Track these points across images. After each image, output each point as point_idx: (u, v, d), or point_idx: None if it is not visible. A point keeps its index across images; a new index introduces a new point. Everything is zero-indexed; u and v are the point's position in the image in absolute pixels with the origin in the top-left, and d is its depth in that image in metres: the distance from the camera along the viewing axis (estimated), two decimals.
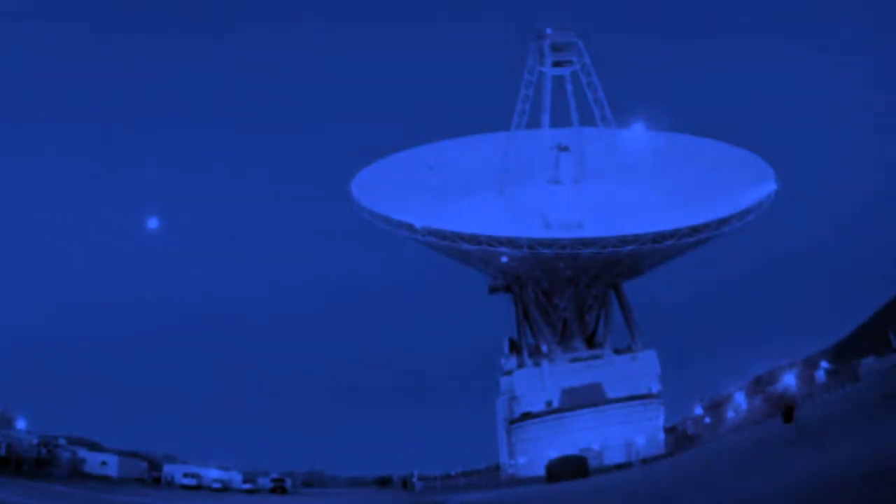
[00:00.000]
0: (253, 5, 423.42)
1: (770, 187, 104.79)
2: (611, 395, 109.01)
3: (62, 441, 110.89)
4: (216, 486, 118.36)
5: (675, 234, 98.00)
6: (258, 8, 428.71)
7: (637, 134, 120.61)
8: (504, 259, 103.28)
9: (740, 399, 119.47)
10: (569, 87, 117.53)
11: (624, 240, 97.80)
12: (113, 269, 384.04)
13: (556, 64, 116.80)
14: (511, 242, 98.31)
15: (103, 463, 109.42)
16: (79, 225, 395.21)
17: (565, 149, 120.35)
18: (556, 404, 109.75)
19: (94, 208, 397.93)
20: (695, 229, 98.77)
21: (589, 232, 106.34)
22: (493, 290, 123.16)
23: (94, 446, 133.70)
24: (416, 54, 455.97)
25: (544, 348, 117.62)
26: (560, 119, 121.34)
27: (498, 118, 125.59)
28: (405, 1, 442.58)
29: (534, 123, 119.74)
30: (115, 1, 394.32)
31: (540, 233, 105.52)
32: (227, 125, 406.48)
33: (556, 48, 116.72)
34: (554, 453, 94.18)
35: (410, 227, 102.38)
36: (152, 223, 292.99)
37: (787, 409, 61.09)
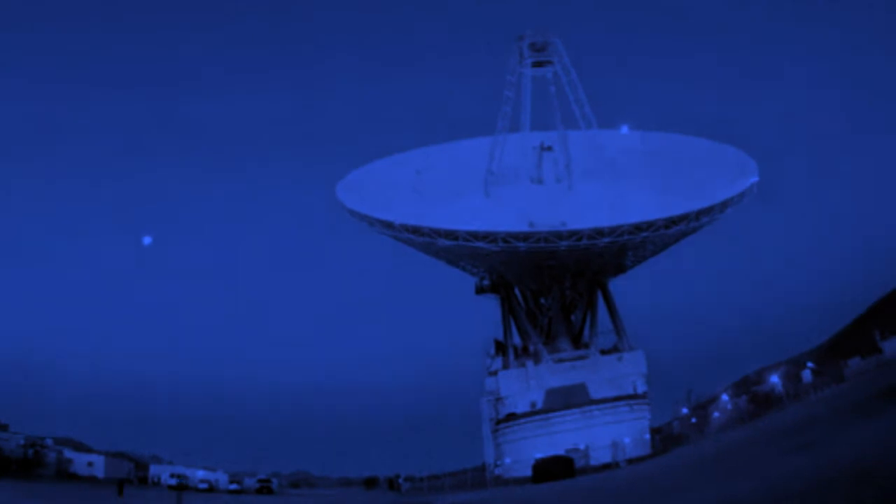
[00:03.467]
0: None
1: (751, 179, 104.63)
2: (597, 395, 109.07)
3: (49, 441, 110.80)
4: (202, 486, 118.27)
5: (651, 225, 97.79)
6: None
7: (621, 133, 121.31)
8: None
9: (726, 399, 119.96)
10: (551, 88, 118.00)
11: (599, 231, 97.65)
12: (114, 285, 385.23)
13: (536, 64, 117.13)
14: (487, 237, 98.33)
15: (90, 464, 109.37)
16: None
17: (548, 149, 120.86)
18: (539, 405, 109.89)
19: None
20: (672, 220, 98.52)
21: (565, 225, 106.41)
22: (479, 290, 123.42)
23: (80, 447, 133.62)
24: (404, 60, 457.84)
25: (531, 349, 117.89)
26: (544, 120, 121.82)
27: (486, 121, 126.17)
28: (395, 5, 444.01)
29: (517, 125, 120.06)
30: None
31: (517, 226, 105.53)
32: None
33: (535, 48, 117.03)
34: (540, 454, 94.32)
35: (390, 225, 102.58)
36: (146, 240, 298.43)
37: None
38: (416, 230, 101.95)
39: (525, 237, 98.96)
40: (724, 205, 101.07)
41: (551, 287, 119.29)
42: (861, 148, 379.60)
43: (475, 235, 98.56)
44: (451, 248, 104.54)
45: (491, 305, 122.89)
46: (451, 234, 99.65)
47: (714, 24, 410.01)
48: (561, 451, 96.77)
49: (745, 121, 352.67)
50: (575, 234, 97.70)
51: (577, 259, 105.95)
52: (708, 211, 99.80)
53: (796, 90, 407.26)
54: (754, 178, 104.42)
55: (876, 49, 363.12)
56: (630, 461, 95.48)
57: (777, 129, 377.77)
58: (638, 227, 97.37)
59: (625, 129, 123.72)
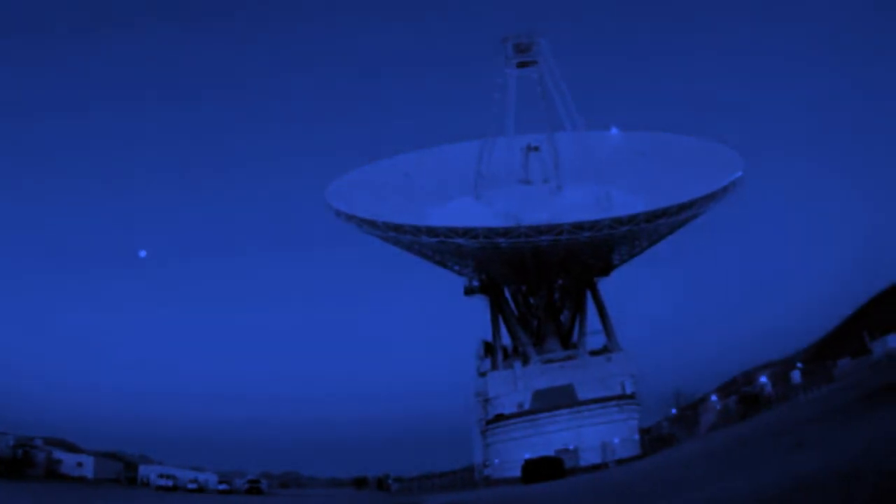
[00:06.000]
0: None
1: (735, 174, 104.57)
2: (586, 395, 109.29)
3: (38, 442, 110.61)
4: (192, 486, 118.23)
5: (632, 219, 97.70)
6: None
7: (611, 134, 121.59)
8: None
9: (715, 400, 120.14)
10: (537, 88, 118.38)
11: (579, 226, 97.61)
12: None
13: (521, 65, 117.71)
14: (468, 233, 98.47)
15: (79, 464, 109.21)
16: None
17: (535, 149, 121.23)
18: (527, 406, 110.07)
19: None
20: (654, 214, 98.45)
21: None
22: (469, 291, 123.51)
23: (70, 447, 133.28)
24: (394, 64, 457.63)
25: (520, 349, 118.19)
26: (532, 120, 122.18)
27: (476, 124, 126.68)
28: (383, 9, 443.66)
29: (505, 127, 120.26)
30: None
31: (497, 222, 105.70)
32: None
33: (519, 49, 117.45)
34: (529, 454, 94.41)
35: (374, 224, 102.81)
36: (141, 253, 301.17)
37: None
38: (398, 228, 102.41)
39: (505, 232, 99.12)
40: (706, 199, 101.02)
41: (540, 287, 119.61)
42: (852, 149, 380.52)
43: (455, 231, 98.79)
44: (434, 246, 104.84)
45: (484, 307, 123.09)
46: (433, 231, 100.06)
47: (707, 23, 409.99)
48: (550, 452, 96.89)
49: (736, 120, 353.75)
50: (555, 229, 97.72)
51: (562, 255, 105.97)
52: (689, 205, 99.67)
53: (789, 89, 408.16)
54: (738, 174, 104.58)
55: (870, 48, 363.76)
56: (619, 462, 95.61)
57: (769, 129, 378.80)
58: (618, 221, 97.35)
59: (614, 131, 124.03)
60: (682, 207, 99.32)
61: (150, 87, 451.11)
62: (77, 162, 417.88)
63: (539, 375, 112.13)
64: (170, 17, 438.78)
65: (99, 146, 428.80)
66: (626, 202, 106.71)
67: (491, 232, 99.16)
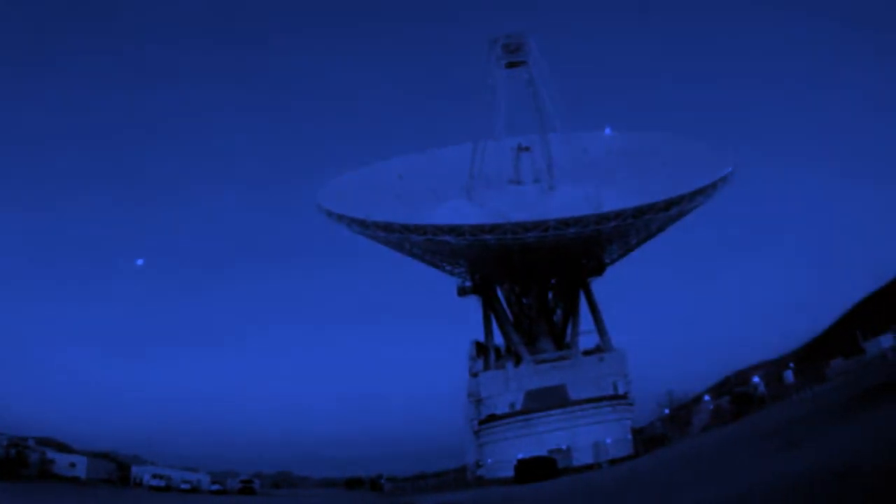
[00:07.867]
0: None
1: (724, 170, 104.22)
2: (578, 395, 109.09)
3: (31, 442, 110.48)
4: (184, 486, 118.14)
5: (618, 215, 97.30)
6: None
7: (605, 134, 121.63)
8: None
9: (708, 400, 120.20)
10: (528, 88, 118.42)
11: (565, 222, 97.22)
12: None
13: (510, 65, 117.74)
14: (454, 230, 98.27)
15: (72, 464, 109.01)
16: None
17: (526, 149, 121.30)
18: (518, 406, 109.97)
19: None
20: (641, 210, 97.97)
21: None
22: (462, 291, 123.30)
23: (63, 447, 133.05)
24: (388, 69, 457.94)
25: (512, 349, 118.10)
26: (524, 120, 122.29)
27: (468, 126, 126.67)
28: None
29: (497, 128, 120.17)
30: None
31: (483, 219, 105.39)
32: None
33: (509, 49, 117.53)
34: (522, 454, 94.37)
35: (363, 223, 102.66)
36: (139, 262, 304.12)
37: None
38: (387, 227, 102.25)
39: (491, 229, 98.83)
40: (694, 194, 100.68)
41: (532, 287, 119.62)
42: (846, 148, 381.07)
43: (441, 229, 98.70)
44: (423, 245, 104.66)
45: (477, 307, 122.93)
46: (420, 229, 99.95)
47: (704, 23, 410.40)
48: (543, 452, 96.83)
49: (729, 119, 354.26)
50: (541, 225, 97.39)
51: (550, 252, 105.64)
52: (677, 201, 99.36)
53: (780, 88, 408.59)
54: (728, 169, 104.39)
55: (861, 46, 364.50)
56: (612, 462, 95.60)
57: (766, 128, 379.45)
58: (605, 217, 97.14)
59: (608, 131, 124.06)
60: (671, 203, 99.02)
61: (147, 88, 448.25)
62: (77, 163, 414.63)
63: (531, 376, 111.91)
64: (168, 18, 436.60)
65: (99, 147, 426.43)
66: (617, 200, 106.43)
67: (477, 229, 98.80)
